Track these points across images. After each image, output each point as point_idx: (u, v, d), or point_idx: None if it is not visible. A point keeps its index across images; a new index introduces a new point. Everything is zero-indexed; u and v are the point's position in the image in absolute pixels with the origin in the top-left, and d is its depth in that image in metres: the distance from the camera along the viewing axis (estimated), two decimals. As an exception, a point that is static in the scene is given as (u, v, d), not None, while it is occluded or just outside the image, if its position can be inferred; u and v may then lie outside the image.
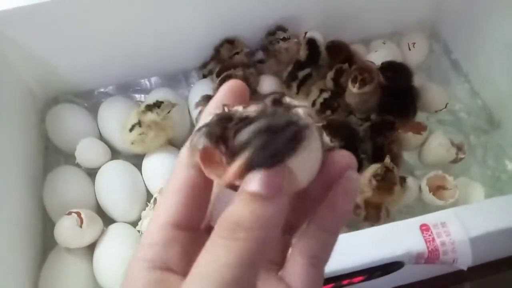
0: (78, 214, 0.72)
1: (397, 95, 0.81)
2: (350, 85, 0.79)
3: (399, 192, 0.69)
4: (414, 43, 0.98)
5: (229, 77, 0.83)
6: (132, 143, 0.81)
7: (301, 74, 0.86)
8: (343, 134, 0.75)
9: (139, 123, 0.80)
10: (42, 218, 0.80)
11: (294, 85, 0.87)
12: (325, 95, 0.83)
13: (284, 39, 0.89)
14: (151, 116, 0.79)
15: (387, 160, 0.69)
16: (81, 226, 0.71)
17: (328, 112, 0.82)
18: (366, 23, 1.01)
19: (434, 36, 1.04)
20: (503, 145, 0.87)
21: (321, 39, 0.96)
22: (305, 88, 0.87)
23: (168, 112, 0.80)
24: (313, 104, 0.83)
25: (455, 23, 1.00)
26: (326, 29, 0.97)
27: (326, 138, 0.73)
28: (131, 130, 0.80)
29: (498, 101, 0.91)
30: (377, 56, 0.92)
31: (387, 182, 0.68)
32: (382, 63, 0.84)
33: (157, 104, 0.79)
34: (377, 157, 0.77)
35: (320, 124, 0.76)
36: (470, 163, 0.84)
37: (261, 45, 0.94)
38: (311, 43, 0.88)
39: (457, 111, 0.92)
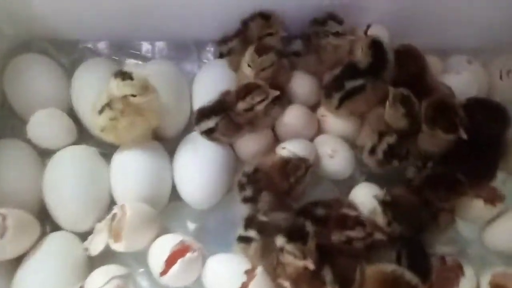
0: (3, 217, 0.52)
1: (478, 147, 0.57)
2: (439, 131, 0.56)
3: None
4: (509, 72, 0.72)
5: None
6: (102, 130, 0.60)
7: (350, 84, 0.62)
8: (406, 220, 0.54)
9: (110, 104, 0.58)
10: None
11: (337, 97, 0.63)
12: (390, 140, 0.60)
13: (336, 34, 0.64)
14: (111, 84, 0.56)
15: None
16: (1, 236, 0.51)
17: (395, 163, 0.60)
18: (447, 28, 0.75)
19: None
20: None
21: (387, 39, 0.70)
22: (351, 104, 0.64)
23: (132, 95, 0.57)
24: (372, 151, 0.61)
25: None
26: (393, 27, 0.72)
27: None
28: (100, 112, 0.59)
29: None
30: (458, 81, 0.67)
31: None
32: (469, 99, 0.59)
33: (125, 76, 0.56)
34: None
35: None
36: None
37: (302, 33, 0.69)
38: (378, 47, 0.62)
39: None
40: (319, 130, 0.69)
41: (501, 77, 0.72)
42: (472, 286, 0.55)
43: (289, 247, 0.49)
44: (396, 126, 0.58)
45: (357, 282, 0.49)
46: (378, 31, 0.70)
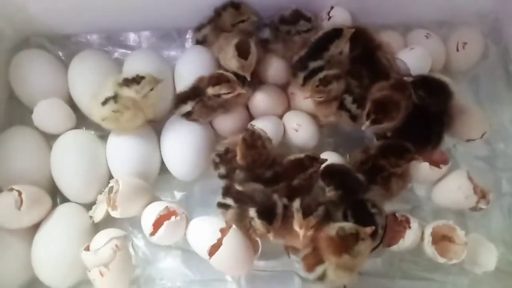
0: (19, 193, 0.63)
1: (425, 119, 0.65)
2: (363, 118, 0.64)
3: (345, 261, 0.55)
4: (465, 44, 0.77)
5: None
6: (104, 119, 0.69)
7: (312, 65, 0.69)
8: (339, 182, 0.62)
9: (115, 98, 0.66)
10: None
11: (301, 76, 0.70)
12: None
13: (307, 31, 0.72)
14: (128, 92, 0.66)
15: (367, 230, 0.55)
16: (19, 208, 0.62)
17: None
18: (409, 4, 0.80)
19: (494, 35, 0.82)
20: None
21: (348, 18, 0.77)
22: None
23: (150, 90, 0.66)
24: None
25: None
26: (355, 6, 0.77)
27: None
28: (104, 103, 0.67)
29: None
30: (412, 55, 0.72)
31: (342, 244, 0.55)
32: (415, 77, 0.66)
33: (137, 80, 0.65)
34: (371, 179, 0.64)
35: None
36: (492, 214, 0.69)
37: (271, 22, 0.74)
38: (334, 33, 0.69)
39: (496, 142, 0.75)
40: (289, 106, 0.77)
41: (457, 49, 0.78)
42: (417, 236, 0.64)
43: (258, 221, 0.58)
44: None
45: (318, 216, 0.58)
46: (340, 13, 0.76)
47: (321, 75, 0.66)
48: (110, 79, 0.68)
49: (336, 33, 0.68)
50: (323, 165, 0.64)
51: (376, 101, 0.64)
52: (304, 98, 0.69)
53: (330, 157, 0.69)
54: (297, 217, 0.58)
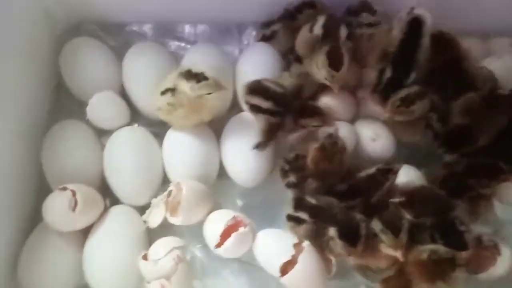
0: (73, 193, 0.57)
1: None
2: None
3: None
4: (552, 55, 0.71)
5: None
6: (158, 109, 0.64)
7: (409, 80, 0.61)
8: (430, 210, 0.56)
9: (174, 90, 0.61)
10: (38, 178, 0.65)
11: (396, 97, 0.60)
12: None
13: (369, 25, 0.65)
14: (183, 86, 0.60)
15: (463, 255, 0.51)
16: (74, 210, 0.57)
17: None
18: (489, 11, 0.74)
19: None
20: None
21: (431, 21, 0.71)
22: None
23: (208, 94, 0.60)
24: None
25: None
26: (433, 10, 0.71)
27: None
28: (163, 93, 0.62)
29: None
30: (499, 65, 0.67)
31: (437, 270, 0.50)
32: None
33: (198, 78, 0.59)
34: (456, 196, 0.58)
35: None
36: None
37: (344, 19, 0.69)
38: (415, 26, 0.62)
39: None
40: (359, 112, 0.71)
41: (545, 61, 0.72)
42: (510, 265, 0.58)
43: (339, 243, 0.52)
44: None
45: (406, 230, 0.52)
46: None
47: (402, 93, 0.59)
48: (175, 70, 0.63)
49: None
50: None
51: (451, 130, 0.59)
52: (384, 118, 0.62)
53: (406, 171, 0.64)
54: (388, 239, 0.52)
